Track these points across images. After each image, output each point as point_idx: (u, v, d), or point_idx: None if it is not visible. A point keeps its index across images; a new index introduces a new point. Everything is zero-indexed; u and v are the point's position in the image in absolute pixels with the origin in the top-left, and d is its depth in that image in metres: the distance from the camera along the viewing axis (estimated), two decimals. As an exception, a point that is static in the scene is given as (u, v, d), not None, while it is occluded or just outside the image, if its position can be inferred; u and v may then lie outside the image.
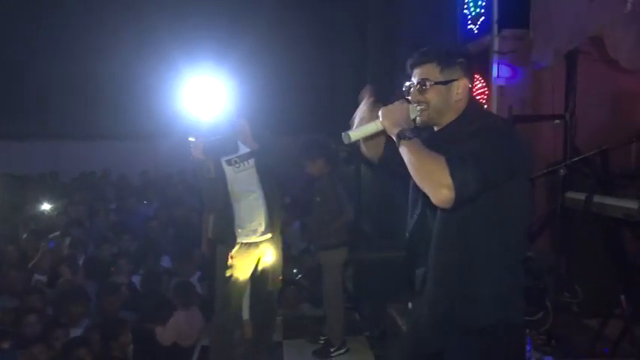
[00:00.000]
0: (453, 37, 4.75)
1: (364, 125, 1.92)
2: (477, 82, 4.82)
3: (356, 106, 2.09)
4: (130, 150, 10.27)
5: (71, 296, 4.15)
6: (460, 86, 1.85)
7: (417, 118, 1.87)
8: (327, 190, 4.21)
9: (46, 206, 7.02)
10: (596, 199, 3.53)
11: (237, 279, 3.44)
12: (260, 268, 3.57)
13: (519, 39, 4.47)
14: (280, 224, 3.62)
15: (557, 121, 4.15)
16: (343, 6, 5.75)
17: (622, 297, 3.21)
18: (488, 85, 4.63)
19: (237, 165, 3.45)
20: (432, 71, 1.85)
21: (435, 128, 1.93)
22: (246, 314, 3.92)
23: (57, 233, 5.82)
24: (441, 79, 1.84)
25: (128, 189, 8.65)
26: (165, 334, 4.03)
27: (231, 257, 3.41)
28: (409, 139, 1.74)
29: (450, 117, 1.88)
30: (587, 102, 4.26)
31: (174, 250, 5.49)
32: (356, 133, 1.90)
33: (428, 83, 1.84)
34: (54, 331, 3.55)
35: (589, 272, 3.81)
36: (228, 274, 3.41)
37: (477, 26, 4.81)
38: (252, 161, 3.46)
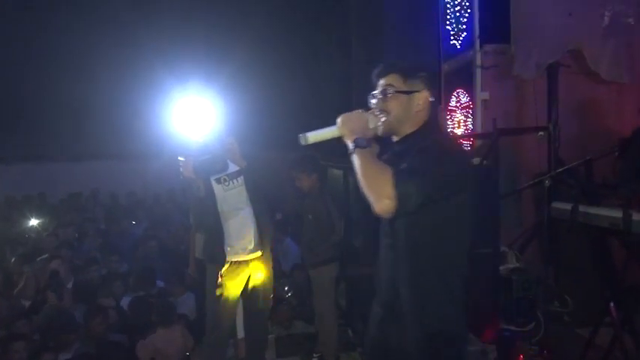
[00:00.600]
0: (436, 53, 4.83)
1: (322, 130, 1.94)
2: (462, 96, 4.90)
3: None
4: (118, 170, 10.23)
5: (59, 322, 4.08)
6: (421, 98, 1.92)
7: (379, 127, 1.92)
8: (318, 207, 4.21)
9: (34, 228, 6.95)
10: (582, 208, 3.58)
11: (227, 298, 3.41)
12: (250, 286, 3.55)
13: (501, 53, 4.56)
14: (270, 242, 3.62)
15: (541, 133, 4.22)
16: (328, 27, 5.83)
17: (611, 305, 3.24)
18: (472, 99, 4.71)
19: (226, 183, 3.45)
20: (395, 80, 1.93)
21: (394, 138, 2.00)
22: (240, 333, 3.88)
23: (45, 256, 5.76)
24: (404, 88, 1.92)
25: (118, 209, 8.59)
26: (143, 350, 4.00)
27: (221, 276, 3.40)
28: (362, 148, 1.81)
29: (409, 128, 1.94)
30: (569, 114, 4.35)
31: (164, 270, 5.45)
32: (313, 136, 1.92)
33: (391, 91, 1.92)
34: (41, 357, 3.50)
35: (578, 281, 3.84)
36: (218, 293, 3.39)
37: (460, 42, 4.91)
38: (241, 179, 3.47)
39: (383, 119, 1.92)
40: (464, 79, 4.75)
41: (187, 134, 3.38)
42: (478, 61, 4.56)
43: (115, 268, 5.66)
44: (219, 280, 3.39)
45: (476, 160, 4.02)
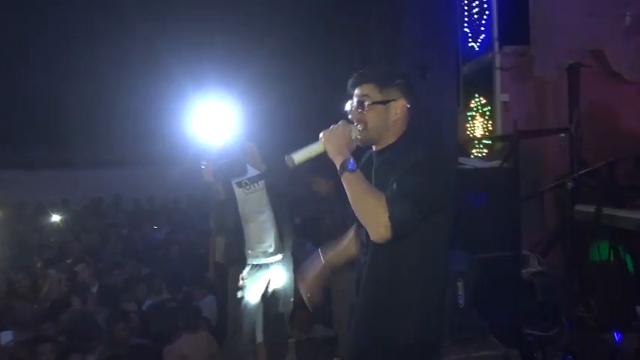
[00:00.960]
0: (454, 56, 4.81)
1: (307, 147, 1.90)
2: (481, 98, 4.87)
3: None
4: (139, 176, 10.38)
5: (83, 326, 4.15)
6: (398, 107, 1.87)
7: (358, 138, 1.88)
8: (335, 212, 4.21)
9: (58, 234, 7.09)
10: (606, 211, 3.53)
11: (247, 301, 3.44)
12: (271, 289, 3.57)
13: (520, 55, 4.53)
14: (291, 245, 3.63)
15: (562, 135, 4.16)
16: (346, 29, 5.85)
17: (638, 309, 3.18)
18: (491, 102, 4.67)
19: (247, 187, 3.49)
20: (370, 91, 1.88)
21: (374, 147, 1.96)
22: (259, 337, 3.90)
23: (69, 261, 5.87)
24: (379, 98, 1.86)
25: (139, 215, 8.72)
26: (170, 355, 4.04)
27: (242, 279, 3.42)
28: (351, 171, 1.78)
29: (388, 138, 1.90)
30: (591, 115, 4.28)
31: (186, 274, 5.50)
32: (299, 156, 1.88)
33: (366, 102, 1.87)
34: (68, 359, 3.56)
35: (602, 285, 3.78)
36: (239, 296, 3.42)
37: (478, 44, 4.88)
38: (262, 183, 3.49)
39: (361, 130, 1.87)
40: (483, 81, 4.73)
41: (207, 139, 3.42)
42: (497, 63, 4.53)
43: (137, 272, 5.73)
44: (240, 283, 3.42)
45: (496, 163, 3.99)
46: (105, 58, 9.90)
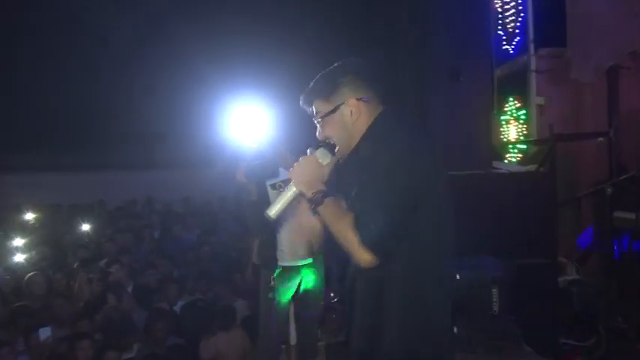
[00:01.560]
0: (488, 59, 4.74)
1: (280, 197, 1.83)
2: (516, 101, 4.79)
3: None
4: (171, 178, 10.56)
5: (118, 323, 4.25)
6: (349, 106, 1.75)
7: (337, 154, 1.78)
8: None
9: (93, 234, 7.28)
10: (647, 218, 3.41)
11: (278, 302, 3.46)
12: (301, 292, 3.58)
13: (557, 57, 4.43)
14: (322, 249, 3.63)
15: (601, 139, 4.05)
16: (378, 33, 5.83)
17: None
18: (526, 105, 4.59)
19: (281, 189, 3.51)
20: (320, 105, 1.79)
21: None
22: (292, 339, 3.91)
23: (104, 261, 6.02)
24: (329, 108, 1.76)
25: (172, 216, 8.87)
26: (205, 350, 4.13)
27: (273, 280, 3.44)
28: (320, 203, 1.69)
29: (359, 138, 1.78)
30: (630, 118, 4.16)
31: (215, 276, 5.56)
32: (276, 208, 1.82)
33: (319, 118, 1.78)
34: (106, 355, 3.65)
35: (642, 295, 3.65)
36: (270, 297, 3.44)
37: (512, 46, 4.81)
38: (295, 185, 3.52)
39: (335, 145, 1.77)
40: (517, 84, 4.65)
41: (242, 141, 3.47)
42: (533, 66, 4.45)
43: (169, 273, 5.83)
44: (271, 284, 3.44)
45: (531, 167, 3.91)
46: (139, 62, 10.10)
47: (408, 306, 1.70)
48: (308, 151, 1.79)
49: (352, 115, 1.75)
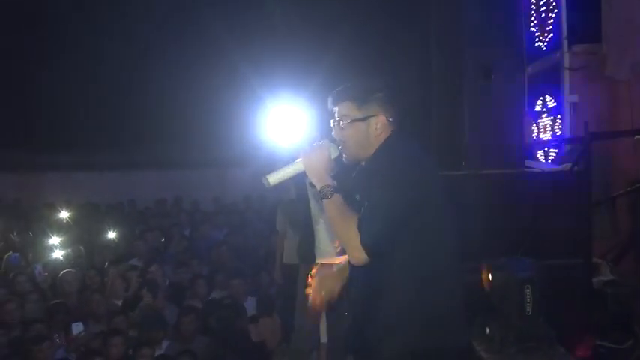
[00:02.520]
0: (520, 56, 4.67)
1: (284, 168, 1.91)
2: (548, 99, 4.71)
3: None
4: (199, 178, 10.69)
5: (151, 319, 4.35)
6: (378, 122, 1.85)
7: (343, 156, 1.89)
8: None
9: (123, 233, 7.41)
10: (686, 217, 3.32)
11: (314, 300, 3.49)
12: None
13: (591, 54, 4.34)
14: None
15: (637, 137, 3.96)
16: (409, 30, 5.80)
17: None
18: (559, 103, 4.51)
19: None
20: (349, 109, 1.86)
21: (363, 163, 1.93)
22: (324, 337, 3.94)
23: (134, 259, 6.14)
24: (358, 116, 1.84)
25: (200, 215, 8.98)
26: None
27: (310, 277, 3.47)
28: (329, 197, 1.80)
29: (371, 154, 1.89)
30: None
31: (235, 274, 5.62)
32: (275, 177, 1.89)
33: (345, 121, 1.85)
34: (140, 351, 3.74)
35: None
36: (306, 294, 3.48)
37: (545, 43, 4.72)
38: (334, 183, 3.55)
39: (343, 149, 1.87)
40: (550, 81, 4.56)
41: (279, 142, 3.51)
42: (566, 63, 4.36)
43: (198, 271, 5.91)
44: (308, 280, 3.48)
45: (566, 166, 3.84)
46: (172, 60, 10.20)
47: (405, 301, 1.78)
48: (321, 142, 1.88)
49: (377, 130, 1.86)
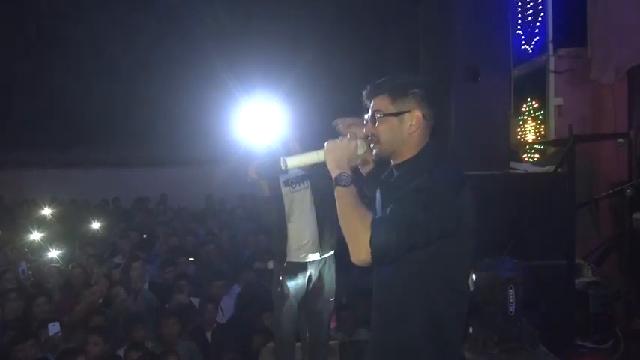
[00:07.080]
0: (506, 59, 4.69)
1: (304, 154, 1.87)
2: (533, 101, 4.76)
3: None
4: (185, 176, 10.64)
5: (133, 320, 4.30)
6: (413, 118, 1.77)
7: (373, 152, 1.82)
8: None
9: (107, 231, 7.34)
10: (667, 220, 3.37)
11: (288, 298, 3.47)
12: (310, 288, 3.59)
13: (576, 57, 4.39)
14: (334, 246, 3.64)
15: (620, 140, 4.01)
16: (396, 30, 5.81)
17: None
18: (544, 105, 4.55)
19: (293, 186, 3.54)
20: (383, 103, 1.80)
21: (392, 162, 1.86)
22: (305, 335, 3.92)
23: (119, 256, 6.08)
24: (392, 110, 1.78)
25: (186, 214, 8.92)
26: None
27: (281, 276, 3.46)
28: (345, 186, 1.71)
29: (405, 152, 1.81)
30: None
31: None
32: (293, 161, 1.85)
33: (379, 115, 1.79)
34: (129, 353, 3.69)
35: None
36: (278, 291, 3.46)
37: (531, 46, 4.77)
38: (307, 183, 3.53)
39: (374, 144, 1.80)
40: (535, 84, 4.61)
41: (253, 139, 3.49)
42: (551, 66, 4.41)
43: (184, 270, 5.86)
44: (280, 278, 3.46)
45: (549, 168, 3.87)
46: (155, 61, 10.16)
47: (413, 312, 1.74)
48: (349, 135, 1.82)
49: (411, 126, 1.78)
